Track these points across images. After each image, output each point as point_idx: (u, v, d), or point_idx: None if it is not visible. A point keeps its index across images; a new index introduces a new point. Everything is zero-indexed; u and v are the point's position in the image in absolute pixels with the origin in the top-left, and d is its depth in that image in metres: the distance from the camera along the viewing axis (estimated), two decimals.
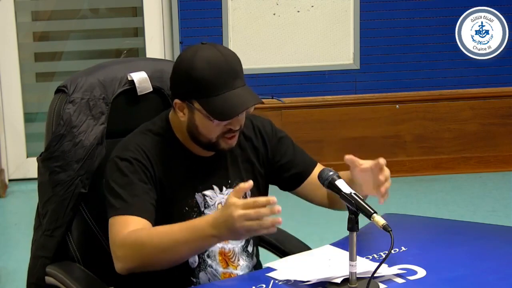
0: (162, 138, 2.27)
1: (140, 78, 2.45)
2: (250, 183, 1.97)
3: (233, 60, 2.19)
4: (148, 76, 2.46)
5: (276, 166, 2.40)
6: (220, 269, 2.29)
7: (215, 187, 2.31)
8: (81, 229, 2.40)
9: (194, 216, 2.25)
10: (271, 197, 1.94)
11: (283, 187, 2.45)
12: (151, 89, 2.46)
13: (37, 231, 2.45)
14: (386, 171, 2.16)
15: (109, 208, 2.18)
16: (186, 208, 2.27)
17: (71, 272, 2.34)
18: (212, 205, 2.29)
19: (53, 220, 2.38)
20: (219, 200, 2.31)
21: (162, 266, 2.12)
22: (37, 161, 2.42)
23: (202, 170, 2.30)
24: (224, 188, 2.32)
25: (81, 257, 2.40)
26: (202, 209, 2.28)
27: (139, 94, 2.45)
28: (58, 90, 2.42)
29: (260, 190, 2.40)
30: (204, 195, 2.29)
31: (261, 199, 1.94)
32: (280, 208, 1.93)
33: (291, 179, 2.42)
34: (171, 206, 2.25)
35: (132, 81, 2.44)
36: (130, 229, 2.11)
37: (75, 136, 2.36)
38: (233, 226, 1.95)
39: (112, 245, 2.13)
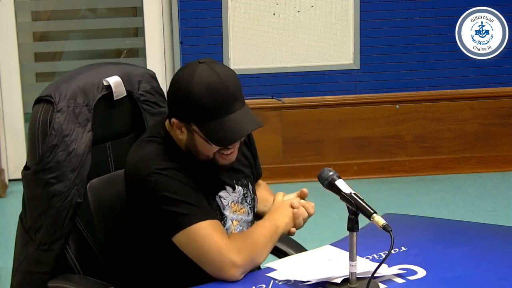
0: (169, 149, 2.24)
1: (115, 82, 2.41)
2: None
3: (231, 83, 2.17)
4: None
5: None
6: None
7: (227, 187, 2.31)
8: (77, 240, 2.35)
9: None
10: (303, 189, 2.32)
11: None
12: (125, 93, 2.43)
13: (27, 246, 2.38)
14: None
15: (181, 217, 2.14)
16: None
17: (77, 281, 2.31)
18: (227, 205, 2.30)
19: (50, 233, 2.32)
20: (232, 199, 2.31)
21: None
22: (25, 175, 2.35)
23: (211, 172, 2.28)
24: (236, 187, 2.33)
25: (81, 268, 2.35)
26: (222, 211, 2.29)
27: (115, 98, 2.41)
28: (40, 100, 2.37)
29: (255, 181, 2.47)
30: (220, 197, 2.29)
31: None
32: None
33: None
34: None
35: (109, 86, 2.40)
36: (223, 232, 2.14)
37: (68, 145, 2.30)
38: (291, 221, 2.27)
39: (222, 252, 2.11)
